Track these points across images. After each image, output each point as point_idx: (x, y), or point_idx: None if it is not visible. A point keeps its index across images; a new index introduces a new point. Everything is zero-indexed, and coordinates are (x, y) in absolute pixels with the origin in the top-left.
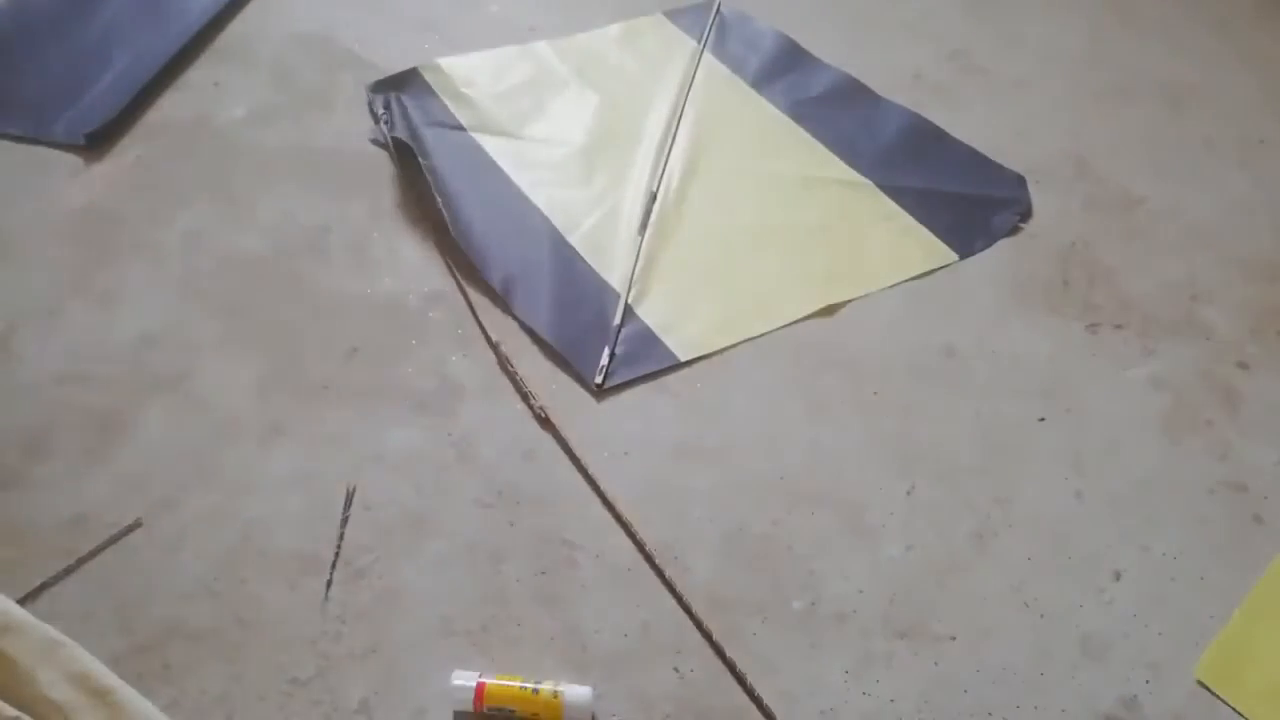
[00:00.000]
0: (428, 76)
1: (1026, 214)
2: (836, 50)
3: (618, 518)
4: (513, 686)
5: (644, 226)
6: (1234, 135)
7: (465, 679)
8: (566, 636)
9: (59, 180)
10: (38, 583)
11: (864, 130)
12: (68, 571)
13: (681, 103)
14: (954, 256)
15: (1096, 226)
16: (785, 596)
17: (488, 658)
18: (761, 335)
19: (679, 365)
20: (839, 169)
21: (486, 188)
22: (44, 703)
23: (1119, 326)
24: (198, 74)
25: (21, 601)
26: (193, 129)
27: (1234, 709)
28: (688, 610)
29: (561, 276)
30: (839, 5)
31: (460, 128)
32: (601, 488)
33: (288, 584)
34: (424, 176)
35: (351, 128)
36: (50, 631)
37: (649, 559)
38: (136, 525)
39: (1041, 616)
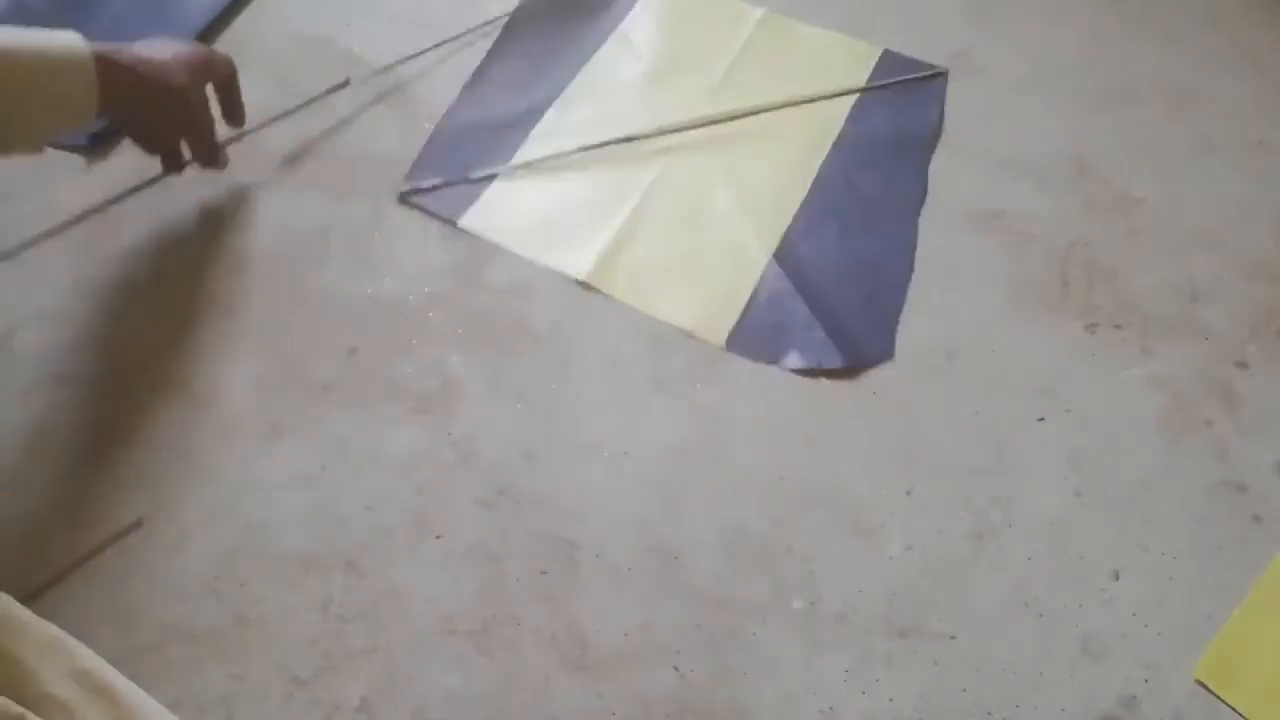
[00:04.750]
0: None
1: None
2: None
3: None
4: None
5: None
6: (1234, 135)
7: None
8: (566, 636)
9: (59, 180)
10: (38, 583)
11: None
12: (68, 571)
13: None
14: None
15: (1096, 226)
16: (785, 596)
17: (488, 657)
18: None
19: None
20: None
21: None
22: (47, 700)
23: (1119, 326)
24: None
25: (21, 601)
26: None
27: (1234, 709)
28: None
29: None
30: (836, 4)
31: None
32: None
33: (288, 584)
34: None
35: (351, 128)
36: (52, 629)
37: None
38: (136, 525)
39: (1041, 616)
